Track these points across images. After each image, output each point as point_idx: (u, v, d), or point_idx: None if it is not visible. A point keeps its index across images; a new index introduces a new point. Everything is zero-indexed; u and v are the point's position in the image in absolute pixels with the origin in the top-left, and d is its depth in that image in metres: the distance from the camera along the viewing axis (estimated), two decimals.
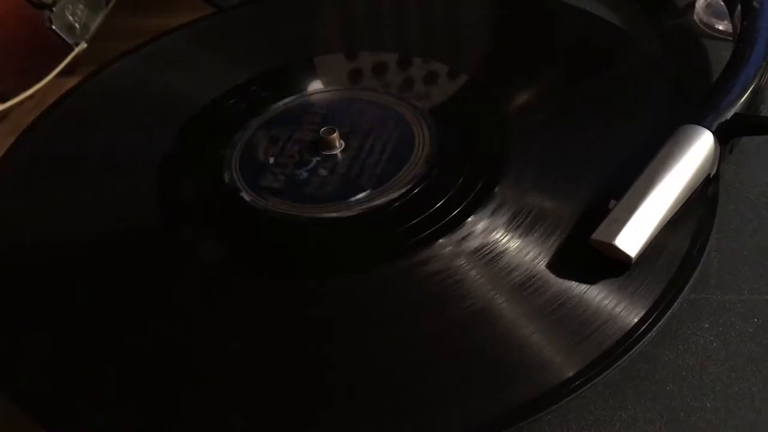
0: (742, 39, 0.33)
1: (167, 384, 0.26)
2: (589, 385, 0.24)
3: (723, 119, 0.30)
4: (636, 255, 0.27)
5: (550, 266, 0.28)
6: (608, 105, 0.35)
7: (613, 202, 0.28)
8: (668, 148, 0.29)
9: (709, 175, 0.29)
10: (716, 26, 0.41)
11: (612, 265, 0.27)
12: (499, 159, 0.32)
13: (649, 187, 0.28)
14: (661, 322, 0.25)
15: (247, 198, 0.32)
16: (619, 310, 0.26)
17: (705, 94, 0.32)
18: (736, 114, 0.30)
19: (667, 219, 0.28)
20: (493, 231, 0.29)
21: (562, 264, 0.28)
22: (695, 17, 0.42)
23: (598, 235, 0.27)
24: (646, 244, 0.27)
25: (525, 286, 0.27)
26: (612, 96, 0.35)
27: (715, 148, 0.29)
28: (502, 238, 0.29)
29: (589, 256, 0.27)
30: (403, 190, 0.31)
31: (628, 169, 0.29)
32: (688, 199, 0.28)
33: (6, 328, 0.29)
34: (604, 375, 0.24)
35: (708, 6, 0.41)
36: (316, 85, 0.38)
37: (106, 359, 0.27)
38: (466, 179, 0.31)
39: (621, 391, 0.26)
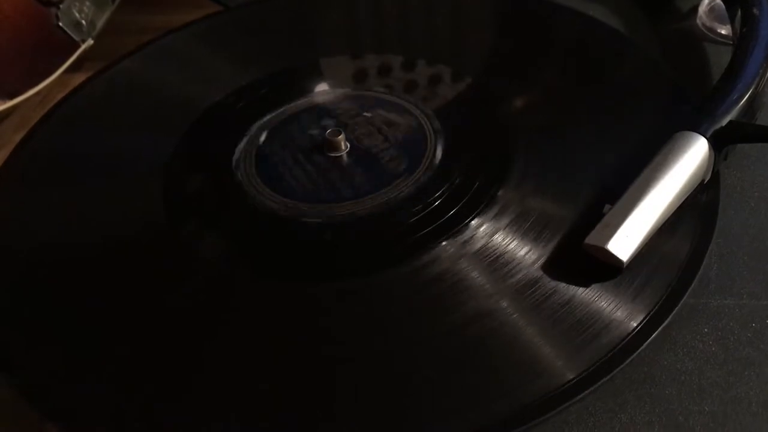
0: (741, 46, 0.34)
1: (169, 382, 0.26)
2: (590, 389, 0.24)
3: (718, 126, 0.30)
4: (628, 259, 0.27)
5: (552, 270, 0.28)
6: (610, 109, 0.35)
7: (607, 206, 0.28)
8: (663, 154, 0.29)
9: (703, 181, 0.30)
10: (719, 30, 0.41)
11: (606, 270, 0.27)
12: (502, 162, 0.32)
13: (643, 192, 0.28)
14: (661, 327, 0.26)
15: (253, 197, 0.32)
16: (620, 314, 0.26)
17: (702, 100, 0.32)
18: (731, 121, 0.30)
19: (661, 224, 0.28)
20: (495, 234, 0.29)
21: (564, 268, 0.28)
22: (698, 21, 0.42)
23: (591, 239, 0.27)
24: (638, 248, 0.27)
25: (527, 290, 0.27)
26: (614, 100, 0.35)
27: (710, 155, 0.29)
28: (505, 242, 0.29)
29: (588, 260, 0.27)
30: (407, 193, 0.31)
31: (628, 172, 0.29)
32: (686, 204, 0.29)
33: (13, 324, 0.29)
34: (605, 379, 0.24)
35: (711, 10, 0.41)
36: (322, 86, 0.38)
37: (110, 357, 0.27)
38: (469, 182, 0.31)
39: (620, 395, 0.26)
